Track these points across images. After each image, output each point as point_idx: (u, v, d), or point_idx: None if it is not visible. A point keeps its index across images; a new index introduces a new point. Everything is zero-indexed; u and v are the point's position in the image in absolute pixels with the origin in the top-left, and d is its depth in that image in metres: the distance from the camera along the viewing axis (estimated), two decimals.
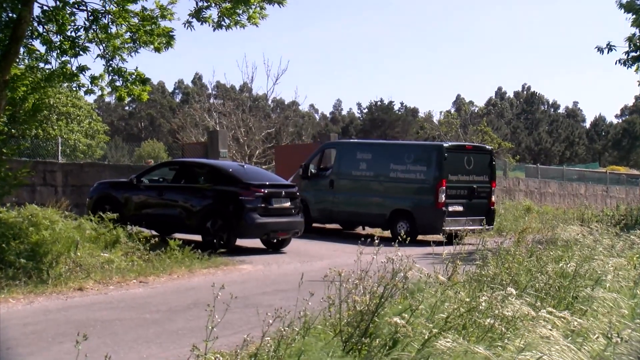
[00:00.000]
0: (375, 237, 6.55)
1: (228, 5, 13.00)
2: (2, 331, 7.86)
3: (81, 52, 13.29)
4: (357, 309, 5.77)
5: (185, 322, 8.48)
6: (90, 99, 33.83)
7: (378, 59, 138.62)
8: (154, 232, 14.68)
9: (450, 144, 21.19)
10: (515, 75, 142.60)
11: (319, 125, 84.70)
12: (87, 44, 13.31)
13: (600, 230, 12.59)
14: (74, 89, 14.57)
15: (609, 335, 5.18)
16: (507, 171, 34.00)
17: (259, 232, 15.29)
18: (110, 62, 13.55)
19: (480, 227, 17.85)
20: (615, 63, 20.98)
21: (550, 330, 5.24)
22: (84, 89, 13.82)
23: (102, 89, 13.87)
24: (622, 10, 20.05)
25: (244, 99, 41.91)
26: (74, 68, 13.41)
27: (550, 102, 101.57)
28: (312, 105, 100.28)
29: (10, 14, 12.24)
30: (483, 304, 5.70)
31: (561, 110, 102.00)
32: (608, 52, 20.63)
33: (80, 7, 13.15)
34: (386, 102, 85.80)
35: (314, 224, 20.39)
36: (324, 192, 20.00)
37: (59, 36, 13.32)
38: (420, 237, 17.55)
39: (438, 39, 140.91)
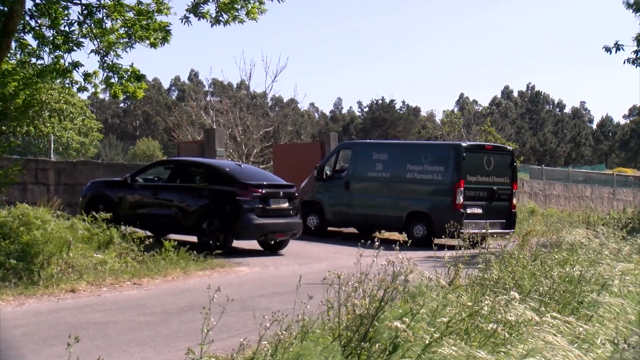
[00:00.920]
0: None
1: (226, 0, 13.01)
2: None
3: (75, 48, 13.29)
4: (357, 312, 5.76)
5: (180, 324, 8.48)
6: (84, 95, 33.88)
7: (379, 56, 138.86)
8: (148, 233, 14.66)
9: (469, 143, 20.96)
10: (519, 74, 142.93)
11: (318, 124, 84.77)
12: (80, 39, 13.32)
13: (606, 233, 12.57)
14: (67, 85, 14.56)
15: (616, 342, 5.17)
16: None
17: (257, 233, 15.29)
18: (105, 57, 13.56)
19: (501, 230, 17.71)
20: (624, 62, 20.99)
21: (555, 335, 5.23)
22: (77, 86, 13.82)
23: (95, 86, 13.88)
24: (630, 9, 20.09)
25: (241, 96, 41.88)
26: (67, 64, 13.41)
27: (555, 102, 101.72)
28: (312, 104, 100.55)
29: (1, 7, 12.23)
30: (485, 308, 5.69)
31: (567, 110, 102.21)
32: (616, 52, 20.62)
33: (74, 1, 13.16)
34: (387, 100, 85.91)
35: (329, 228, 20.29)
36: (339, 194, 19.84)
37: (51, 30, 13.33)
38: (437, 240, 17.49)
39: (442, 36, 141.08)
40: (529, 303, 6.39)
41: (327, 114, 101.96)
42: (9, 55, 13.14)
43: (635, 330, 5.89)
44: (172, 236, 14.87)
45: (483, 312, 5.69)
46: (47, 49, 13.44)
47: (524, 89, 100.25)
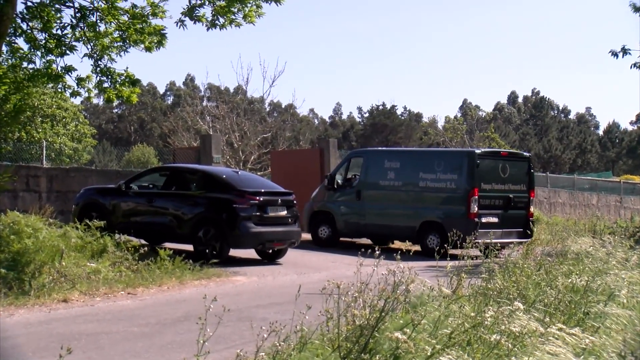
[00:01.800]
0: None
1: (223, 3, 13.03)
2: None
3: (67, 52, 13.31)
4: (357, 323, 5.76)
5: (175, 335, 8.47)
6: (77, 100, 33.91)
7: (380, 60, 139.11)
8: (143, 241, 14.64)
9: (483, 150, 20.76)
10: (524, 79, 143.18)
11: (317, 130, 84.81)
12: (73, 43, 13.35)
13: (613, 242, 12.57)
14: (60, 90, 14.59)
15: (623, 354, 5.17)
16: None
17: (254, 242, 15.28)
18: (99, 62, 13.58)
19: (517, 240, 17.65)
20: (631, 67, 21.04)
21: (560, 347, 5.23)
22: (70, 90, 13.83)
23: (89, 90, 13.89)
24: (637, 13, 20.15)
25: (238, 101, 41.91)
26: (59, 68, 13.43)
27: (560, 108, 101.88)
28: (311, 110, 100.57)
29: None
30: (489, 319, 5.69)
31: (572, 116, 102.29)
32: (623, 56, 20.65)
33: (67, 4, 13.18)
34: (388, 106, 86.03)
35: (342, 239, 20.20)
36: (351, 203, 19.78)
37: (44, 34, 13.35)
38: (452, 251, 17.40)
39: (445, 41, 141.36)
40: (534, 314, 6.39)
41: (327, 119, 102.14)
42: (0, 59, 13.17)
43: None
44: (168, 245, 14.86)
45: (486, 322, 5.68)
46: (39, 53, 13.47)
47: (529, 94, 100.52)
